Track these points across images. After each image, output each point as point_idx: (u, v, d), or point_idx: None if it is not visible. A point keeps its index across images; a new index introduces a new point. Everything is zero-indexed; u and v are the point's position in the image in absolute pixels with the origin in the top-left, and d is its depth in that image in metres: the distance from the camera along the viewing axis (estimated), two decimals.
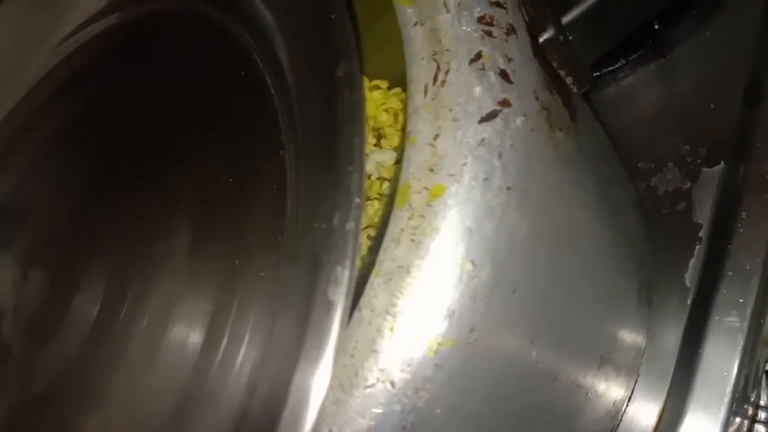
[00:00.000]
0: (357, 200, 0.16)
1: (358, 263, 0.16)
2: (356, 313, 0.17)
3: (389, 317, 0.17)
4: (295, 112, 0.19)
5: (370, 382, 0.16)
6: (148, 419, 0.20)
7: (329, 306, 0.15)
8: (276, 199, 0.19)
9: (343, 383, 0.16)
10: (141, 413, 0.21)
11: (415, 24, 0.19)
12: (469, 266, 0.17)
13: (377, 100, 0.25)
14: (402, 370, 0.16)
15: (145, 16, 0.28)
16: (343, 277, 0.16)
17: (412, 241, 0.17)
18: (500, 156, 0.17)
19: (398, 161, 0.21)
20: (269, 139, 0.20)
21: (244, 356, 0.18)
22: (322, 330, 0.15)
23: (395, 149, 0.25)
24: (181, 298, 0.21)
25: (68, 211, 0.27)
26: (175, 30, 0.27)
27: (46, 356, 0.23)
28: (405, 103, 0.19)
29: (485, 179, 0.17)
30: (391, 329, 0.16)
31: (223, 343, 0.19)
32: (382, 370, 0.16)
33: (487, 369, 0.18)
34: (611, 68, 0.39)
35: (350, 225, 0.16)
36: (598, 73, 0.39)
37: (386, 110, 0.24)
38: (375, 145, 0.25)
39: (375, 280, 0.17)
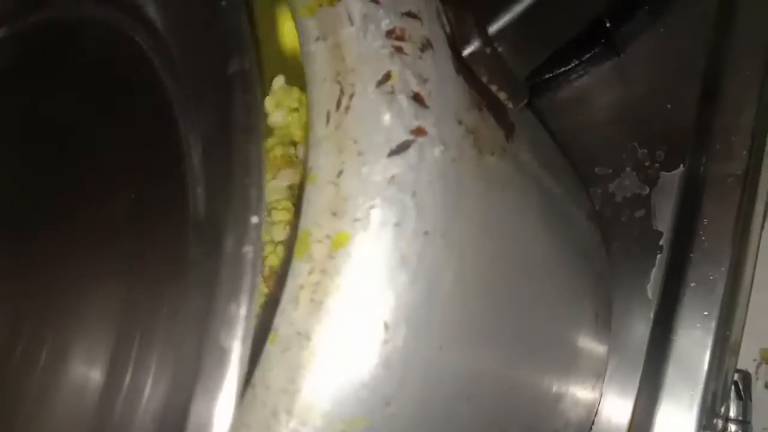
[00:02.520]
0: (254, 219, 0.13)
1: (258, 296, 0.13)
2: (249, 390, 0.14)
3: (286, 397, 0.14)
4: (193, 119, 0.16)
5: None
6: None
7: (221, 354, 0.13)
8: (180, 220, 0.17)
9: None
10: None
11: (317, 39, 0.16)
12: (380, 329, 0.14)
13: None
14: None
15: (32, 27, 0.25)
16: (238, 316, 0.13)
17: (312, 301, 0.14)
18: (414, 195, 0.15)
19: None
20: (171, 148, 0.18)
21: (148, 399, 0.16)
22: (215, 387, 0.13)
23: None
24: (80, 334, 0.19)
25: None
26: (66, 37, 0.25)
27: None
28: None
29: (396, 224, 0.14)
30: (289, 412, 0.14)
31: (125, 385, 0.17)
32: None
33: None
34: (563, 69, 0.37)
35: (246, 249, 0.13)
36: (550, 75, 0.37)
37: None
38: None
39: (270, 350, 0.14)
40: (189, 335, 0.13)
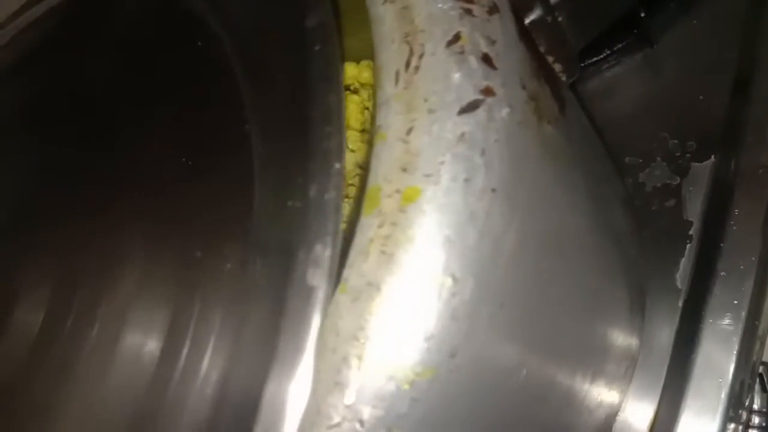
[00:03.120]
0: (336, 165, 0.14)
1: (341, 241, 0.14)
2: (318, 339, 0.15)
3: (357, 343, 0.14)
4: (259, 76, 0.17)
5: (334, 421, 0.14)
6: None
7: (309, 292, 0.13)
8: (241, 180, 0.17)
9: (302, 423, 0.14)
10: (93, 431, 0.18)
11: (385, 1, 0.17)
12: (449, 281, 0.14)
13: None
14: (373, 407, 0.14)
15: None
16: (324, 256, 0.13)
17: (383, 253, 0.15)
18: (483, 153, 0.15)
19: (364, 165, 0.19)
20: (231, 113, 0.18)
21: (208, 364, 0.16)
22: (301, 322, 0.13)
23: None
24: (135, 303, 0.19)
25: (4, 214, 0.25)
26: (120, 4, 0.25)
27: None
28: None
29: (466, 180, 0.15)
30: (359, 358, 0.14)
31: (185, 351, 0.17)
32: (348, 406, 0.14)
33: (472, 398, 0.16)
34: (595, 59, 0.37)
35: (330, 195, 0.13)
36: (582, 65, 0.37)
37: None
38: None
39: (340, 299, 0.15)
40: (267, 283, 0.14)
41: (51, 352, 0.20)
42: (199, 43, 0.20)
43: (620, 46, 0.36)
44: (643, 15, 0.34)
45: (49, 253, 0.22)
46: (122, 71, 0.23)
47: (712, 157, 0.35)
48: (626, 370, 0.28)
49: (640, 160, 0.36)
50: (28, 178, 0.24)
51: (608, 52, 0.37)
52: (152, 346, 0.17)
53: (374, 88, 0.16)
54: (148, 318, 0.18)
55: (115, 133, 0.22)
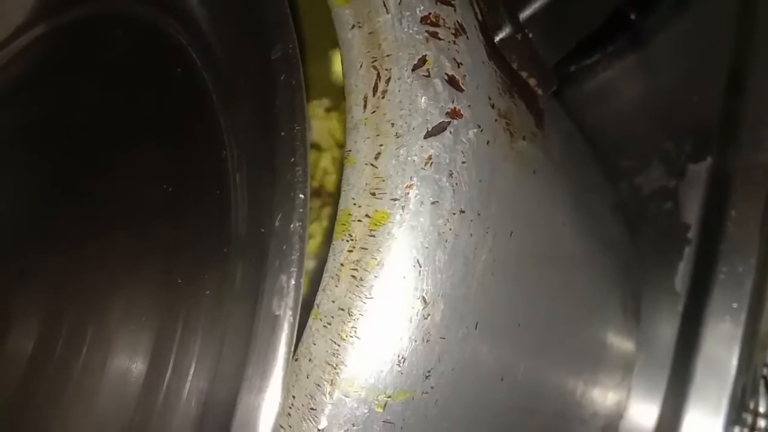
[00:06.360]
0: (300, 197, 0.14)
1: (306, 268, 0.14)
2: (294, 364, 0.15)
3: (329, 368, 0.14)
4: (235, 106, 0.17)
5: None
6: None
7: (274, 321, 0.13)
8: (219, 206, 0.17)
9: None
10: None
11: (353, 26, 0.17)
12: (419, 305, 0.15)
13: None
14: (346, 431, 0.14)
15: (72, 22, 0.26)
16: (288, 286, 0.13)
17: (354, 278, 0.15)
18: (450, 175, 0.15)
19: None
20: (210, 139, 0.18)
21: (190, 387, 0.16)
22: (267, 351, 0.13)
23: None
24: (120, 327, 0.19)
25: None
26: (105, 33, 0.25)
27: None
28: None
29: (434, 203, 0.15)
30: (332, 383, 0.14)
31: (168, 374, 0.17)
32: (322, 431, 0.14)
33: (450, 418, 0.16)
34: (588, 62, 0.37)
35: (294, 226, 0.14)
36: (574, 68, 0.37)
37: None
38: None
39: (313, 324, 0.15)
40: (237, 312, 0.14)
41: (42, 378, 0.21)
42: (179, 71, 0.21)
43: (612, 48, 0.36)
44: (633, 17, 0.34)
45: (40, 281, 0.22)
46: (107, 99, 0.24)
47: (708, 157, 0.34)
48: (622, 379, 0.28)
49: (636, 163, 0.36)
50: (15, 206, 0.25)
51: (600, 54, 0.37)
52: (138, 369, 0.18)
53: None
54: (133, 342, 0.18)
55: (100, 160, 0.23)
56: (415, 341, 0.15)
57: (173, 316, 0.17)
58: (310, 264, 0.26)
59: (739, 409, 0.33)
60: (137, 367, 0.18)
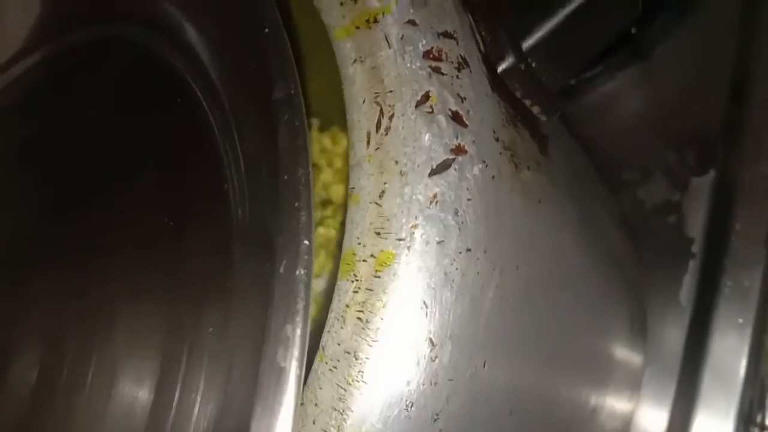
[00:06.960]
0: (305, 243, 0.14)
1: (311, 315, 0.14)
2: (301, 409, 0.15)
3: (336, 414, 0.14)
4: (236, 143, 0.17)
5: None
6: None
7: (279, 373, 0.13)
8: (221, 242, 0.17)
9: None
10: None
11: (355, 61, 0.17)
12: (426, 347, 0.14)
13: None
14: None
15: (70, 49, 0.26)
16: (294, 337, 0.13)
17: (359, 320, 0.15)
18: (456, 213, 0.15)
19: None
20: (211, 174, 0.18)
21: (198, 415, 0.16)
22: (273, 403, 0.13)
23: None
24: (125, 354, 0.19)
25: None
26: (104, 60, 0.25)
27: None
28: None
29: (440, 243, 0.15)
30: (339, 429, 0.14)
31: (175, 401, 0.17)
32: None
33: None
34: (589, 75, 0.37)
35: (299, 273, 0.13)
36: (575, 81, 0.37)
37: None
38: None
39: (319, 368, 0.15)
40: (241, 355, 0.14)
41: (47, 408, 0.20)
42: (179, 100, 0.21)
43: (613, 60, 0.36)
44: (633, 31, 0.34)
45: (41, 308, 0.22)
46: (107, 124, 0.23)
47: (711, 170, 0.34)
48: (630, 396, 0.28)
49: (639, 176, 0.36)
50: (15, 234, 0.24)
51: (602, 67, 0.36)
52: (144, 396, 0.18)
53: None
54: (138, 369, 0.18)
55: (100, 186, 0.23)
56: (423, 385, 0.14)
57: (178, 346, 0.17)
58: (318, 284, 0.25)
59: (747, 422, 0.33)
60: (143, 394, 0.18)
